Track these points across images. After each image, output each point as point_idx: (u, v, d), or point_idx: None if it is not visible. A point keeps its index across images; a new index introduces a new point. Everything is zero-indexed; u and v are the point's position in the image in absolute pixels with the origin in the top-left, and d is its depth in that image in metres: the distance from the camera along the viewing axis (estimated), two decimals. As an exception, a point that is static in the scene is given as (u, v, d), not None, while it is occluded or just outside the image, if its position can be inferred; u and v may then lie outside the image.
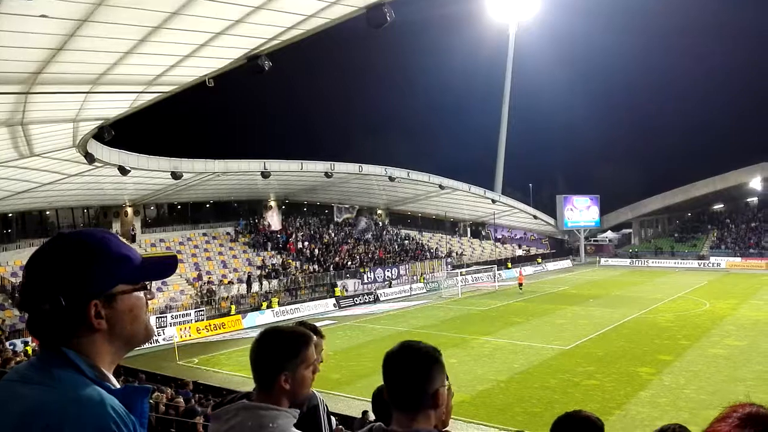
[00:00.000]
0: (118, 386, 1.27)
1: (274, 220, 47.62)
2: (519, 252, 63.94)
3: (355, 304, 37.91)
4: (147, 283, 1.37)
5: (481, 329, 28.20)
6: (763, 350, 22.16)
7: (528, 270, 52.76)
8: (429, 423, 1.82)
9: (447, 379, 1.92)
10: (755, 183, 58.74)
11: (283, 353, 1.98)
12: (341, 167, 43.40)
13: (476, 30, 74.22)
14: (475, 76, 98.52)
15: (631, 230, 73.05)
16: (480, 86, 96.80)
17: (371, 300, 39.30)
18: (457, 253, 56.09)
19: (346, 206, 53.19)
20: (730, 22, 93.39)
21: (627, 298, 36.96)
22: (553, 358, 22.19)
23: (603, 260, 63.83)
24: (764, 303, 33.82)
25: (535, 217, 65.86)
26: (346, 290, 40.06)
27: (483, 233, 69.31)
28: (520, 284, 43.43)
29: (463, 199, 57.89)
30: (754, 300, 35.11)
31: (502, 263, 54.56)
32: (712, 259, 59.27)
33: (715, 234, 66.34)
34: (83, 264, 1.26)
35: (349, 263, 43.74)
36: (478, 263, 53.23)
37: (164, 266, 1.41)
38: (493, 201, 59.69)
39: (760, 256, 58.02)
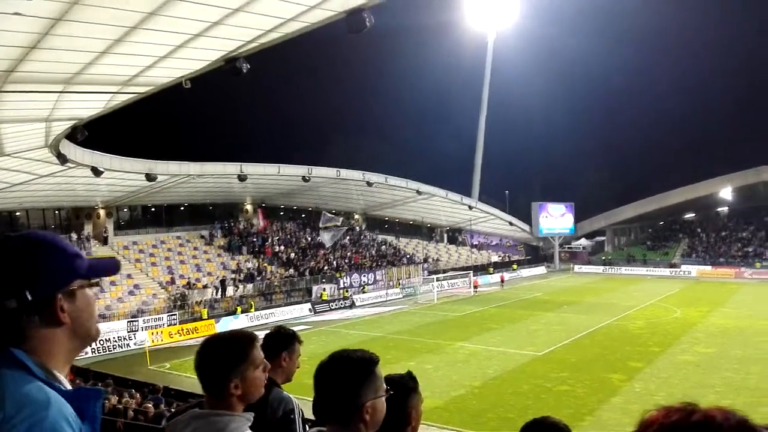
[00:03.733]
0: (69, 388, 1.24)
1: (257, 220, 47.31)
2: (495, 258, 64.38)
3: (331, 309, 37.79)
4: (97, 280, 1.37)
5: (456, 335, 28.31)
6: (732, 357, 22.59)
7: (505, 276, 53.12)
8: None
9: (386, 390, 1.90)
10: (725, 193, 60.05)
11: (229, 358, 1.95)
12: (319, 171, 43.31)
13: (455, 38, 74.73)
14: (454, 84, 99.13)
15: (604, 238, 74.05)
16: (458, 94, 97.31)
17: (347, 305, 39.22)
18: (433, 259, 56.28)
19: (332, 213, 53.26)
20: (704, 34, 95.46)
21: (600, 305, 37.44)
22: (527, 363, 22.37)
23: (577, 267, 64.58)
24: (733, 311, 34.53)
25: (511, 224, 66.43)
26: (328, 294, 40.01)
27: (459, 239, 69.66)
28: (476, 287, 44.65)
29: (440, 205, 58.16)
30: (724, 308, 35.81)
31: (479, 269, 54.87)
32: (683, 267, 60.35)
33: (687, 243, 67.62)
34: (44, 258, 1.25)
35: (326, 268, 43.61)
36: (454, 269, 53.47)
37: (109, 265, 1.41)
38: (470, 207, 60.09)
39: (730, 264, 59.26)
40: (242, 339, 2.06)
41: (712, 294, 42.89)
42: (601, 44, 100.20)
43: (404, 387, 2.31)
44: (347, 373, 1.82)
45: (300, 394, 3.11)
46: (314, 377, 1.85)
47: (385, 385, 1.92)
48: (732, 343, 25.08)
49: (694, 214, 72.90)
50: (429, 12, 74.46)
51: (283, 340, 3.15)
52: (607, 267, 63.50)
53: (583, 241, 76.31)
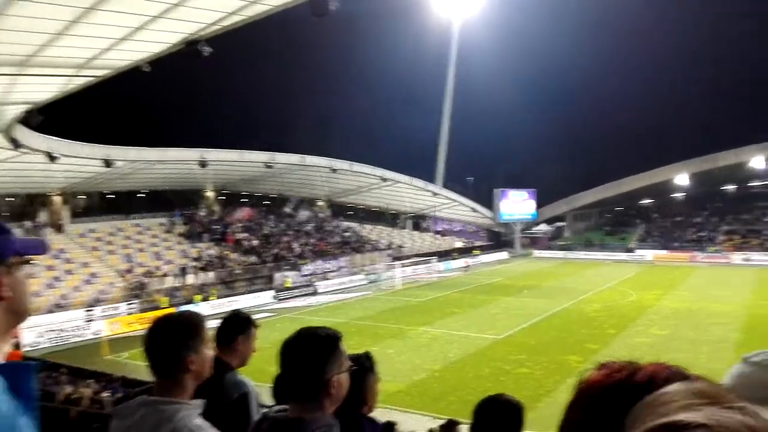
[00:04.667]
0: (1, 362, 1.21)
1: (239, 211, 46.78)
2: (458, 244, 65.07)
3: (294, 297, 37.73)
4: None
5: (419, 320, 28.65)
6: (684, 338, 23.49)
7: (468, 261, 53.73)
8: (323, 410, 1.85)
9: (349, 366, 1.97)
10: (681, 179, 61.80)
11: (183, 334, 1.98)
12: (283, 158, 42.98)
13: (421, 23, 74.74)
14: (419, 70, 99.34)
15: (564, 223, 75.55)
16: (423, 80, 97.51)
17: (311, 292, 39.22)
18: (397, 245, 56.60)
19: (297, 198, 52.96)
20: (663, 24, 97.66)
21: (558, 289, 38.31)
22: (488, 347, 22.82)
23: (537, 252, 65.83)
24: (686, 293, 35.79)
25: (474, 210, 67.21)
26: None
27: (423, 225, 70.19)
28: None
29: (404, 192, 58.43)
30: (677, 291, 37.09)
31: (442, 255, 55.40)
32: (640, 251, 62.10)
33: (643, 227, 69.55)
34: None
35: (289, 255, 43.45)
36: (418, 255, 53.91)
37: (37, 244, 1.39)
38: (434, 194, 60.57)
39: (684, 249, 61.21)
40: (193, 316, 2.12)
41: (666, 278, 44.29)
42: (565, 33, 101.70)
43: (361, 366, 2.41)
44: (313, 348, 1.87)
45: (260, 381, 3.18)
46: (280, 354, 1.89)
47: (348, 361, 1.98)
48: (684, 325, 26.04)
49: (651, 200, 74.94)
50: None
51: (238, 324, 3.19)
52: (567, 252, 64.89)
53: (544, 227, 77.69)
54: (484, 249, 64.75)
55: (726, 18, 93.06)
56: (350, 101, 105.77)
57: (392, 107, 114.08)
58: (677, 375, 0.92)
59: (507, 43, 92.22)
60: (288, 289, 38.63)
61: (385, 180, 52.68)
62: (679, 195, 73.28)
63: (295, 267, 41.64)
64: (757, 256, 56.35)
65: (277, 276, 39.61)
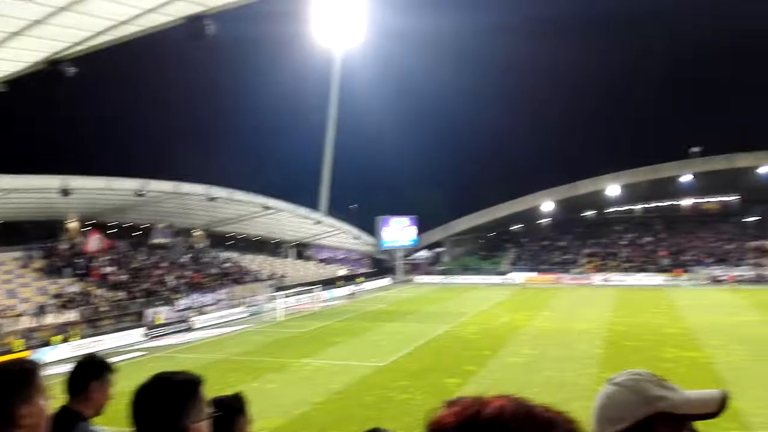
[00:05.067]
0: None
1: (93, 242, 43.09)
2: (342, 272, 65.09)
3: (167, 334, 35.67)
4: None
5: (301, 351, 28.09)
6: (552, 357, 24.84)
7: (352, 289, 53.79)
8: None
9: (210, 412, 1.85)
10: (547, 206, 66.32)
11: (12, 386, 1.75)
12: (156, 185, 40.96)
13: (304, 51, 74.95)
14: (302, 98, 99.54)
15: (443, 249, 78.15)
16: (306, 107, 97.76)
17: (185, 328, 37.28)
18: (280, 275, 55.55)
19: (164, 228, 50.22)
20: (534, 62, 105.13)
21: (437, 313, 39.33)
22: (370, 375, 22.79)
23: (418, 278, 67.45)
24: (553, 314, 38.06)
25: (357, 238, 67.73)
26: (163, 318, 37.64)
27: (307, 254, 69.58)
28: None
29: (288, 220, 57.71)
30: (546, 311, 39.35)
31: (326, 284, 55.07)
32: (511, 274, 65.47)
33: (514, 252, 73.52)
34: None
35: (161, 289, 41.15)
36: (301, 284, 53.19)
37: None
38: (317, 221, 60.34)
39: (550, 271, 65.35)
40: (24, 363, 1.89)
41: (535, 299, 46.92)
42: (444, 67, 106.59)
43: (231, 409, 2.34)
44: (168, 396, 1.73)
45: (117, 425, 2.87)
46: (132, 403, 1.73)
47: (209, 407, 1.85)
48: (552, 344, 27.59)
49: (521, 225, 79.56)
50: (276, 25, 73.96)
51: (92, 369, 2.95)
52: (445, 276, 67.02)
53: (424, 253, 79.87)
54: (368, 276, 65.26)
55: (589, 60, 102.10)
56: (234, 127, 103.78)
57: (276, 135, 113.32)
58: (522, 407, 0.90)
59: (388, 73, 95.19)
60: (160, 325, 36.46)
61: (267, 208, 51.75)
62: (545, 220, 78.51)
63: (168, 302, 39.48)
64: (614, 277, 61.40)
65: (148, 312, 37.30)
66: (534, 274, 64.58)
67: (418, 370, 23.20)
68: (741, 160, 58.35)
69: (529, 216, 72.61)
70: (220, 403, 2.20)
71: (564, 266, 66.82)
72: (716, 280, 57.13)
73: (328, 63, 71.90)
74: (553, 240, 75.25)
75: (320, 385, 21.78)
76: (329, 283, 56.45)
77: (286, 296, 44.41)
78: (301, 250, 69.49)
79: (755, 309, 37.76)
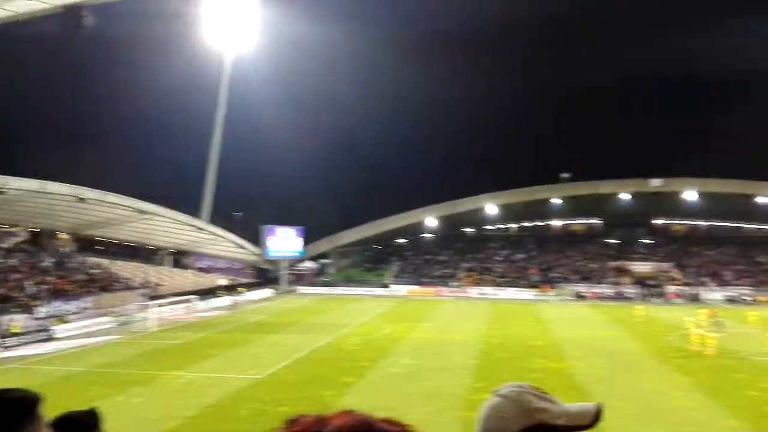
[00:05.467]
0: None
1: None
2: (222, 281, 62.98)
3: (24, 344, 32.57)
4: None
5: (172, 364, 26.69)
6: (430, 367, 25.43)
7: (233, 299, 52.11)
8: None
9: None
10: (430, 221, 68.31)
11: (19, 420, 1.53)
12: (17, 183, 37.48)
13: (194, 53, 71.94)
14: (190, 101, 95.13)
15: (329, 260, 78.08)
16: (193, 111, 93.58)
17: (45, 338, 34.25)
18: (154, 283, 52.72)
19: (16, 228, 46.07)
20: (423, 82, 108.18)
21: (320, 325, 39.09)
22: (247, 388, 22.09)
23: (302, 289, 66.78)
24: (432, 326, 39.10)
25: (241, 247, 65.91)
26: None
27: (185, 262, 66.66)
28: None
29: (165, 226, 54.97)
30: (425, 323, 40.35)
31: (205, 293, 53.03)
32: (395, 287, 66.65)
33: (398, 264, 74.95)
34: None
35: (19, 295, 37.60)
36: (177, 294, 50.76)
37: None
38: (199, 228, 58.00)
39: (431, 284, 67.25)
40: (28, 394, 1.60)
41: (416, 311, 48.02)
42: (335, 80, 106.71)
43: (82, 426, 2.17)
44: (1, 415, 1.51)
45: None
46: None
47: (48, 428, 1.66)
48: (430, 355, 28.29)
49: (405, 239, 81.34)
50: (166, 23, 70.59)
51: None
52: (330, 288, 66.92)
53: (310, 264, 79.32)
54: (250, 286, 63.63)
55: (476, 80, 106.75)
56: (113, 126, 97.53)
57: (160, 137, 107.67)
58: (363, 424, 0.94)
59: (280, 81, 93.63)
60: (16, 334, 33.22)
61: (142, 212, 49.00)
62: (428, 235, 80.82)
63: (26, 309, 36.11)
64: (489, 290, 64.29)
65: (3, 320, 33.91)
66: (415, 287, 66.14)
67: (296, 382, 22.83)
68: (603, 187, 63.55)
69: (414, 230, 74.46)
70: (69, 420, 1.98)
71: (444, 279, 69.04)
72: (580, 296, 61.53)
73: (219, 66, 69.73)
74: (434, 254, 77.59)
75: (192, 398, 20.78)
76: (208, 292, 54.43)
77: (160, 306, 42.14)
78: (180, 257, 66.50)
79: (614, 324, 41.03)
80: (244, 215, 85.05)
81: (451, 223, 74.00)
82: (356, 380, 22.91)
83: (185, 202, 63.12)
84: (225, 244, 64.41)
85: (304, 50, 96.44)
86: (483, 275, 70.32)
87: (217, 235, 61.18)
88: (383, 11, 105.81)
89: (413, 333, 35.52)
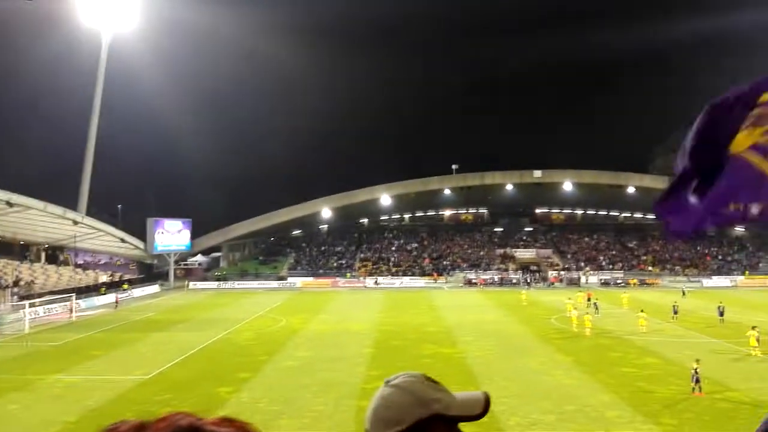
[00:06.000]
0: None
1: None
2: (103, 278, 59.34)
3: None
4: None
5: (51, 367, 24.84)
6: (326, 358, 25.43)
7: (117, 297, 49.27)
8: None
9: None
10: (326, 212, 68.14)
11: None
12: None
13: (67, 33, 66.56)
14: (65, 84, 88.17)
15: (220, 254, 75.78)
16: (70, 95, 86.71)
17: None
18: (27, 282, 48.70)
19: None
20: (315, 79, 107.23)
21: (212, 320, 37.92)
22: (133, 389, 21.01)
23: (192, 284, 64.37)
24: (328, 317, 39.12)
25: (123, 241, 62.36)
26: None
27: (61, 258, 62.12)
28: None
29: (37, 219, 50.83)
30: (321, 314, 40.29)
31: (84, 291, 49.73)
32: (290, 279, 65.98)
33: (294, 256, 74.19)
34: None
35: None
36: (53, 292, 47.20)
37: None
38: (75, 222, 54.20)
39: (327, 275, 67.24)
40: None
41: (312, 303, 47.83)
42: (226, 67, 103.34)
43: None
44: None
45: None
46: None
47: None
48: (326, 345, 28.31)
49: (300, 231, 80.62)
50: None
51: None
52: (222, 282, 65.04)
53: (200, 258, 76.66)
54: (135, 282, 60.48)
55: (373, 72, 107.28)
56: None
57: (31, 124, 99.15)
58: (190, 427, 0.92)
59: (167, 66, 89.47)
60: None
61: (11, 205, 45.03)
62: (324, 226, 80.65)
63: None
64: (384, 280, 65.30)
65: None
66: (311, 279, 65.85)
67: (187, 380, 22.00)
68: (489, 178, 66.40)
69: (309, 222, 73.97)
70: None
71: (340, 270, 69.27)
72: (470, 283, 64.04)
73: (96, 47, 65.20)
74: (330, 245, 77.59)
75: (73, 402, 19.47)
76: (89, 290, 51.15)
77: (33, 306, 39.03)
78: (55, 253, 61.87)
79: (501, 308, 43.08)
80: (127, 207, 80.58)
81: (347, 214, 74.30)
82: (252, 375, 22.46)
83: (62, 193, 58.86)
84: (106, 238, 60.64)
85: (193, 33, 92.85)
86: (378, 265, 71.31)
87: (96, 228, 57.45)
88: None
89: (309, 325, 35.36)
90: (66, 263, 61.10)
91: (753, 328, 25.65)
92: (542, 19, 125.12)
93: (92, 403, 19.29)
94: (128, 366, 24.87)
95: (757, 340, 24.77)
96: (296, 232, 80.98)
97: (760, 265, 68.80)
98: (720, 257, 71.75)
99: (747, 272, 65.73)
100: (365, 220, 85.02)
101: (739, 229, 78.96)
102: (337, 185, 70.56)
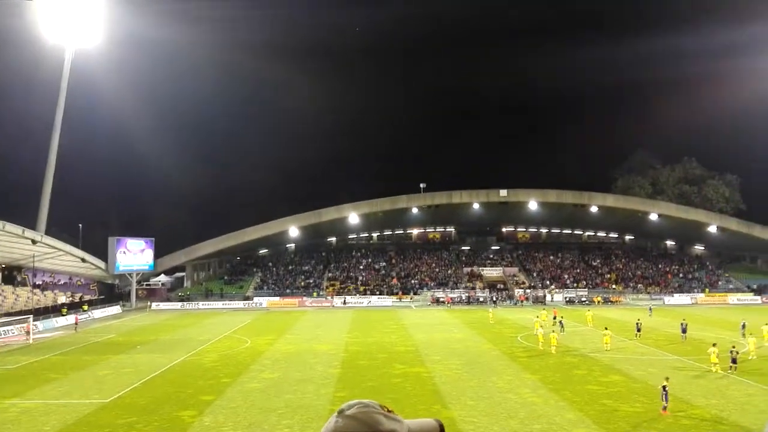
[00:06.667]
0: None
1: None
2: (63, 299, 57.60)
3: None
4: None
5: (5, 391, 23.87)
6: (292, 379, 25.01)
7: (77, 318, 47.79)
8: None
9: None
10: (293, 231, 67.53)
11: None
12: None
13: (30, 49, 64.99)
14: (23, 99, 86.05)
15: (184, 273, 74.36)
16: (31, 110, 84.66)
17: None
18: (-20, 303, 46.97)
19: None
20: (286, 102, 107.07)
21: (175, 342, 37.06)
22: (92, 413, 20.30)
23: (155, 305, 62.95)
24: (295, 337, 38.62)
25: (84, 260, 60.66)
26: None
27: (18, 278, 60.15)
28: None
29: (-7, 238, 49.18)
30: (288, 335, 39.76)
31: (42, 312, 48.14)
32: (256, 299, 65.08)
33: (260, 276, 73.28)
34: None
35: None
36: (9, 314, 45.61)
37: None
38: (34, 242, 52.52)
39: (294, 295, 66.55)
40: None
41: (278, 323, 47.20)
42: (194, 83, 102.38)
43: None
44: None
45: None
46: None
47: None
48: (293, 367, 27.86)
49: (267, 250, 79.78)
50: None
51: None
52: (186, 302, 63.77)
53: (163, 278, 75.09)
54: (95, 303, 58.85)
55: (337, 98, 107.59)
56: None
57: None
58: None
59: (133, 82, 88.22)
60: None
61: (-35, 224, 43.54)
62: (291, 246, 80.00)
63: None
64: (352, 299, 64.93)
65: None
66: (277, 299, 65.09)
67: (149, 404, 21.37)
68: (457, 197, 66.93)
69: (276, 241, 73.24)
70: None
71: (307, 290, 68.63)
72: (437, 301, 64.12)
73: (58, 65, 63.89)
74: (298, 264, 76.92)
75: (29, 428, 18.73)
76: (47, 311, 49.56)
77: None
78: (12, 273, 59.88)
79: (468, 326, 43.18)
80: (88, 226, 78.64)
81: (315, 233, 73.85)
82: (215, 398, 21.93)
83: (22, 212, 57.21)
84: (66, 258, 58.93)
85: (158, 50, 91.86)
86: (346, 284, 70.92)
87: (56, 248, 55.80)
88: (243, 16, 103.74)
89: (275, 346, 34.83)
90: (24, 284, 59.17)
91: (713, 345, 26.23)
92: (509, 42, 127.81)
93: (49, 429, 18.60)
94: (87, 389, 24.07)
95: (717, 357, 25.32)
96: (263, 251, 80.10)
97: (720, 283, 70.66)
98: (681, 275, 73.46)
99: (707, 290, 67.39)
100: (333, 239, 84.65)
101: (699, 248, 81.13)
102: (304, 204, 70.21)
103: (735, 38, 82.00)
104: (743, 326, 35.93)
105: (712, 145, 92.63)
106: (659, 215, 67.10)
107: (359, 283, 71.35)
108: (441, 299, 64.58)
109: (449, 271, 74.80)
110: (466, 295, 66.30)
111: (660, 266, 76.13)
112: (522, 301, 64.03)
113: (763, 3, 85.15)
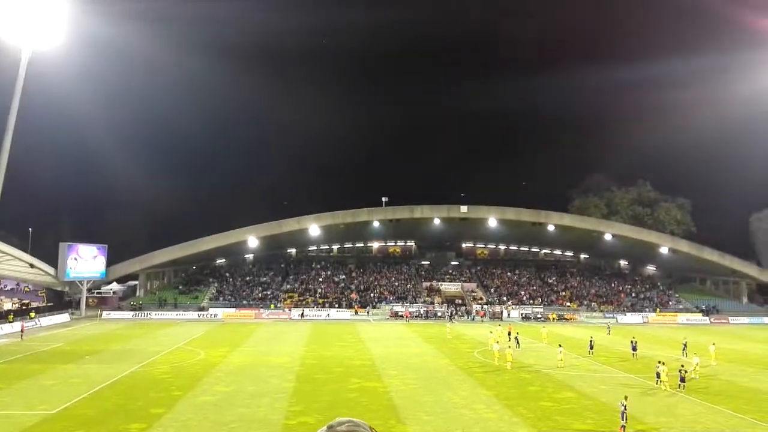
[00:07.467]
0: None
1: None
2: (8, 305, 55.40)
3: None
4: None
5: (-60, 403, 22.75)
6: (246, 393, 24.55)
7: (24, 325, 45.98)
8: None
9: None
10: (252, 241, 66.68)
11: None
12: None
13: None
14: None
15: (138, 282, 72.50)
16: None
17: None
18: None
19: None
20: (262, 112, 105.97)
21: (126, 352, 36.04)
22: (37, 425, 19.51)
23: (105, 313, 61.17)
24: (250, 349, 38.01)
25: (33, 266, 58.52)
26: None
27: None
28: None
29: (-66, 241, 47.08)
30: (243, 347, 39.10)
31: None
32: (211, 310, 63.86)
33: (216, 286, 72.01)
34: None
35: None
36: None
37: None
38: (-22, 245, 50.53)
39: (251, 306, 65.59)
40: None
41: (234, 334, 46.40)
42: (150, 89, 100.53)
43: None
44: None
45: None
46: None
47: None
48: (247, 380, 27.37)
49: (224, 260, 78.55)
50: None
51: None
52: (138, 312, 62.16)
53: (115, 286, 73.09)
54: (43, 311, 56.80)
55: (301, 107, 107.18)
56: None
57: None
58: None
59: (87, 84, 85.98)
60: None
61: None
62: (250, 256, 78.98)
63: None
64: (310, 312, 64.39)
65: None
66: (233, 310, 64.04)
67: (97, 415, 20.67)
68: (418, 212, 67.35)
69: (234, 251, 72.21)
70: None
71: (265, 301, 67.75)
72: (396, 315, 64.12)
73: (12, 65, 61.84)
74: (255, 275, 75.94)
75: (-36, 443, 17.87)
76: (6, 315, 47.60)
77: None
78: (-45, 278, 57.37)
79: (426, 341, 43.28)
80: (38, 231, 76.05)
81: (274, 244, 73.12)
82: (166, 411, 21.35)
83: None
84: (13, 263, 56.74)
85: (118, 53, 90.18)
86: (305, 296, 70.29)
87: (3, 252, 53.72)
88: (203, 18, 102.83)
89: (229, 358, 34.19)
90: (-35, 289, 56.72)
91: (661, 363, 26.92)
92: (472, 64, 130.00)
93: (-14, 443, 17.79)
94: (32, 400, 23.13)
95: (666, 375, 26.00)
96: (220, 261, 78.86)
97: (670, 303, 72.75)
98: (634, 294, 75.35)
99: (658, 309, 69.29)
100: (293, 250, 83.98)
101: (651, 268, 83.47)
102: (263, 214, 69.44)
103: (687, 69, 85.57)
104: (684, 346, 37.22)
105: (666, 169, 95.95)
106: (613, 235, 68.87)
107: (318, 295, 70.83)
108: (400, 313, 64.60)
109: (408, 285, 74.97)
110: (425, 309, 66.50)
111: (613, 285, 77.96)
112: (481, 317, 64.57)
113: (711, 38, 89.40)
